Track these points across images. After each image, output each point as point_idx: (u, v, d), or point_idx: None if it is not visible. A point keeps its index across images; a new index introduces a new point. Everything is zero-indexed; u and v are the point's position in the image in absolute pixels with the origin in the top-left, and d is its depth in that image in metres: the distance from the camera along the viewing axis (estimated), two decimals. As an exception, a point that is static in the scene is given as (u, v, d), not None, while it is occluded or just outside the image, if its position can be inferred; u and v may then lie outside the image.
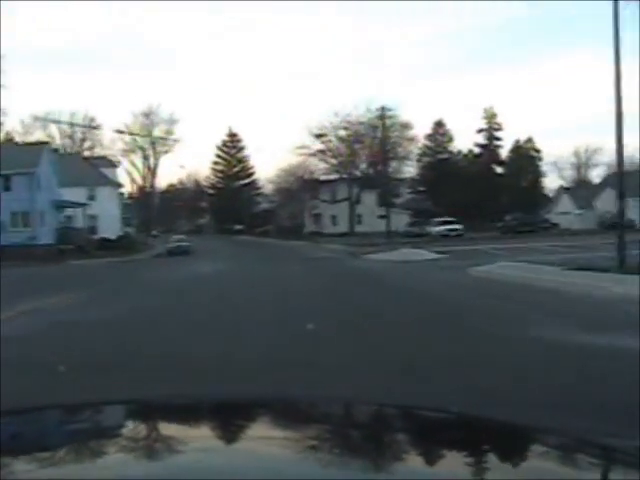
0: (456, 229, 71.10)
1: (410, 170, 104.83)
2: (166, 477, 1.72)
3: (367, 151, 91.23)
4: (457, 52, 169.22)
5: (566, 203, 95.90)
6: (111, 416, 2.54)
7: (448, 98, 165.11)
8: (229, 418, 2.46)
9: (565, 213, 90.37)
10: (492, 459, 1.94)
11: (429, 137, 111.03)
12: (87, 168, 73.62)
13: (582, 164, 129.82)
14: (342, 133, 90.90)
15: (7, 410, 2.46)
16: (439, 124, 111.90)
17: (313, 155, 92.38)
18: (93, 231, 69.54)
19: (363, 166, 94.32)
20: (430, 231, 73.85)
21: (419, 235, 76.92)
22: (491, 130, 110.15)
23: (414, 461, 1.89)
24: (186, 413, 2.56)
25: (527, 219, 75.96)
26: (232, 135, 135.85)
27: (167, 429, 2.28)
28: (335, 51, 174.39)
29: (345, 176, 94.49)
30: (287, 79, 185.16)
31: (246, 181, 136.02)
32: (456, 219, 75.47)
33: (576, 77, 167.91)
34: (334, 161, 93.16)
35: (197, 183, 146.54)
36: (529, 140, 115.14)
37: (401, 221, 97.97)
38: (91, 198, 72.73)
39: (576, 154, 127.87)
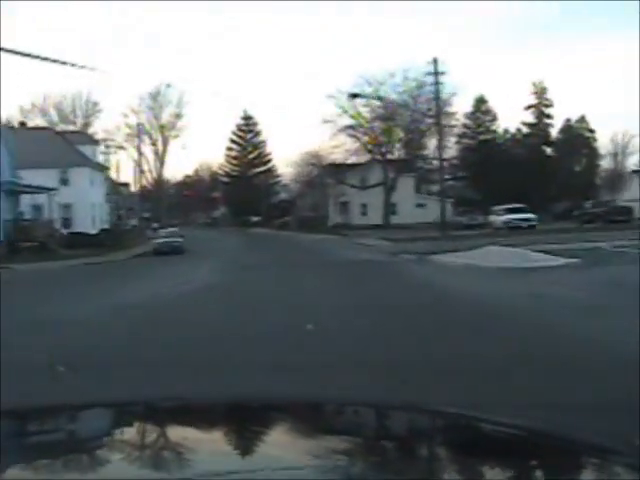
0: (529, 218, 54.79)
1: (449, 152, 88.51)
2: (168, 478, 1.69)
3: (404, 126, 74.67)
4: (504, 26, 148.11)
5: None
6: (112, 417, 2.43)
7: (490, 75, 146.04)
8: (233, 420, 2.39)
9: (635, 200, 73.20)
10: (490, 460, 1.85)
11: (470, 116, 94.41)
12: (60, 145, 56.91)
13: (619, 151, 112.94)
14: (376, 104, 74.26)
15: (7, 410, 2.32)
16: (481, 100, 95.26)
17: (341, 131, 75.61)
18: (67, 224, 53.70)
19: (398, 145, 77.73)
20: (492, 221, 57.48)
21: (471, 226, 60.66)
22: (541, 107, 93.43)
23: (415, 462, 1.88)
24: (187, 415, 2.45)
25: (612, 207, 59.14)
26: (247, 118, 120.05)
27: (168, 431, 2.19)
28: (360, 23, 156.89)
29: (378, 157, 77.90)
30: (310, 53, 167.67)
31: (263, 168, 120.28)
32: (525, 206, 59.26)
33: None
34: (366, 138, 76.45)
35: (210, 172, 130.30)
36: (582, 119, 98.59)
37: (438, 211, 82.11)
38: (64, 182, 56.62)
39: (612, 141, 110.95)
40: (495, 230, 54.82)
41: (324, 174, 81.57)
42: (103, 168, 67.98)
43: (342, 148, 77.88)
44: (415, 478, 1.70)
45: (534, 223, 54.19)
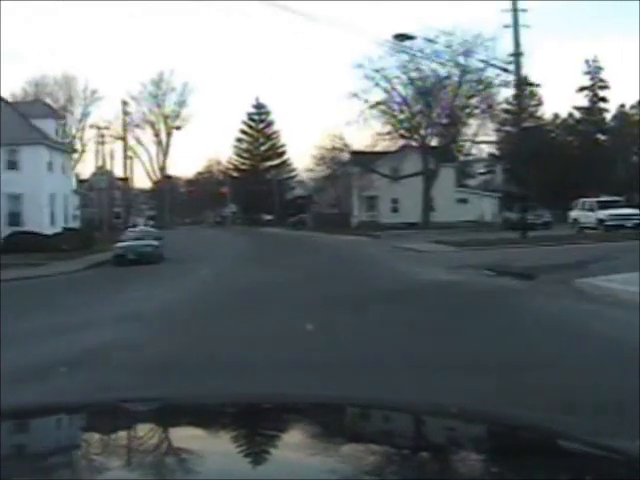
0: (634, 215, 40.10)
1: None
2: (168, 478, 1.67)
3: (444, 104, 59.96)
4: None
5: None
6: (113, 416, 2.37)
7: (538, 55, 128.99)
8: (234, 420, 2.33)
9: None
10: (491, 458, 1.85)
11: (512, 100, 79.62)
12: (6, 115, 41.92)
13: None
14: (413, 75, 59.37)
15: (7, 410, 2.27)
16: (524, 82, 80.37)
17: (372, 107, 60.55)
18: (14, 220, 39.56)
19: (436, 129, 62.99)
20: (577, 218, 42.78)
21: (535, 225, 45.97)
22: (596, 89, 78.70)
23: (416, 460, 1.86)
24: (188, 414, 2.38)
25: None
26: (259, 107, 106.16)
27: (169, 430, 2.15)
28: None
29: (413, 143, 63.15)
30: (327, 25, 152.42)
31: (276, 162, 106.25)
32: (621, 199, 44.71)
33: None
34: (401, 116, 61.67)
35: (219, 166, 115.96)
36: (639, 104, 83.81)
37: (486, 207, 67.88)
38: (10, 166, 42.16)
39: None
40: (582, 230, 40.52)
41: (348, 163, 66.88)
42: (69, 149, 53.19)
43: (370, 132, 63.29)
44: (413, 478, 1.68)
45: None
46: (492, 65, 32.96)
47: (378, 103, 60.40)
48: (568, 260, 21.75)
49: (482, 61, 50.23)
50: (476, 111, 61.07)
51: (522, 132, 76.62)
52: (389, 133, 62.51)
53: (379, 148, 64.01)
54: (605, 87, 78.96)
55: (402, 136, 63.24)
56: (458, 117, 60.45)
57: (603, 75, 78.85)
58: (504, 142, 79.64)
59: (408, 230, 53.83)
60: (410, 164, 62.51)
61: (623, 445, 1.93)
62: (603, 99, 79.41)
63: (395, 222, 61.58)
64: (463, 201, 68.97)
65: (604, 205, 40.73)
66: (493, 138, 75.17)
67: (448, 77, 58.68)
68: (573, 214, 43.76)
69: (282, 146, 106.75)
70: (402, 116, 61.99)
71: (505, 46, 62.40)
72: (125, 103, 76.22)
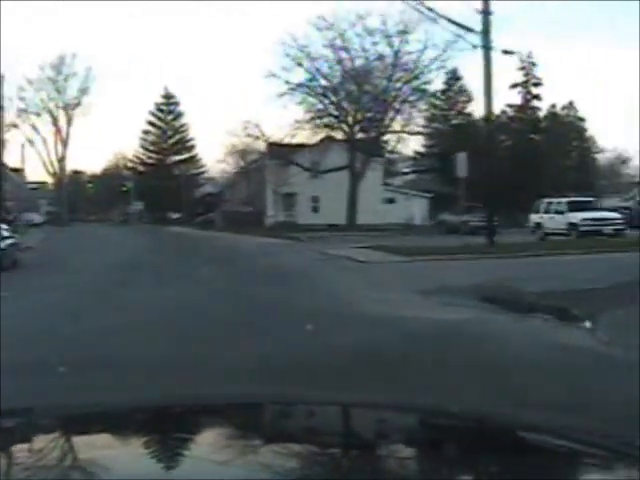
0: (613, 219, 32.78)
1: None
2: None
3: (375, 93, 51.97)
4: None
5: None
6: (108, 419, 2.23)
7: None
8: (144, 426, 2.18)
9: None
10: (491, 459, 1.79)
11: (441, 95, 72.78)
12: None
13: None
14: (342, 55, 51.21)
15: (7, 410, 2.24)
16: (454, 77, 73.63)
17: (292, 89, 51.97)
18: None
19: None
20: (541, 223, 35.16)
21: (474, 230, 38.39)
22: (529, 85, 72.17)
23: (415, 463, 1.82)
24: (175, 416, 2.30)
25: None
26: (168, 97, 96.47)
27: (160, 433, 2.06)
28: None
29: (339, 136, 55.01)
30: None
31: (185, 156, 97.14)
32: (595, 199, 37.57)
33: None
34: (326, 100, 53.27)
35: (125, 160, 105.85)
36: (570, 105, 78.05)
37: (415, 208, 60.66)
38: None
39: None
40: (547, 237, 33.14)
41: (264, 154, 58.40)
42: None
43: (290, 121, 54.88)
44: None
45: (622, 227, 32.35)
46: (454, 23, 25.19)
47: (300, 85, 52.04)
48: (593, 280, 14.29)
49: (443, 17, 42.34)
50: (412, 98, 53.23)
51: (452, 129, 70.38)
52: (312, 119, 54.01)
53: (299, 139, 55.66)
54: (539, 84, 72.50)
55: (326, 126, 54.91)
56: (390, 105, 52.50)
57: (537, 72, 72.51)
58: (434, 138, 72.96)
59: (330, 232, 45.95)
60: (334, 158, 54.43)
61: (623, 445, 1.84)
62: (537, 97, 72.97)
63: (315, 223, 53.64)
64: (390, 201, 61.45)
65: (576, 207, 33.29)
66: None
67: (381, 58, 50.69)
68: (535, 217, 36.16)
69: (191, 140, 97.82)
70: (327, 101, 53.58)
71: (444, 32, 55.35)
72: (22, 88, 66.54)
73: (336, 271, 20.40)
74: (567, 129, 76.26)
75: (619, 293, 13.47)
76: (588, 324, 10.27)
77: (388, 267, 21.43)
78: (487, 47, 25.83)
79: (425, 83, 52.64)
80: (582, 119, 78.33)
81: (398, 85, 52.07)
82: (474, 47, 26.13)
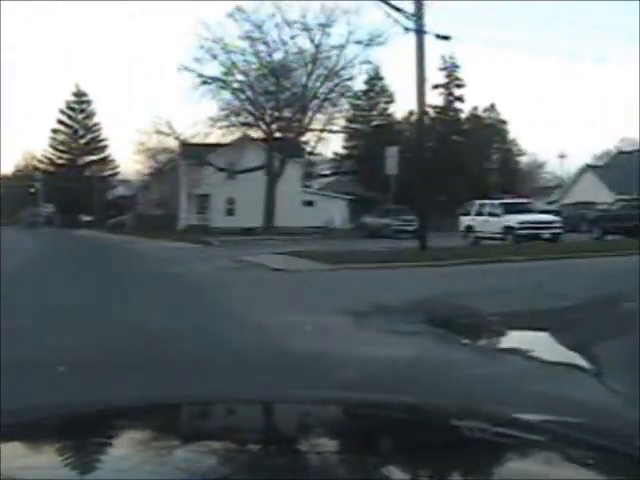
0: (552, 222, 30.31)
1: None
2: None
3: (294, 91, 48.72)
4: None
5: (593, 187, 56.83)
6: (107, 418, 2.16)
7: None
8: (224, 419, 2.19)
9: (587, 204, 49.58)
10: (490, 458, 1.73)
11: (362, 96, 70.13)
12: None
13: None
14: (260, 48, 47.64)
15: (7, 410, 2.14)
16: (376, 77, 71.11)
17: (206, 83, 48.11)
18: None
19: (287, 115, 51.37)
20: (472, 226, 32.46)
21: (403, 232, 35.71)
22: (451, 86, 70.15)
23: (413, 459, 1.70)
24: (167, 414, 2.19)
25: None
26: (79, 95, 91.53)
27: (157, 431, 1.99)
28: None
29: (256, 134, 51.47)
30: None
31: (97, 157, 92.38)
32: (530, 200, 35.19)
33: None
34: (242, 96, 49.57)
35: (34, 161, 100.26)
36: (491, 107, 76.34)
37: (335, 211, 57.89)
38: None
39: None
40: (479, 241, 30.55)
41: (176, 154, 54.49)
42: None
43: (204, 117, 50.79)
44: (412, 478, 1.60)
45: (560, 231, 29.76)
46: (387, 3, 22.10)
47: (214, 79, 48.26)
48: (560, 296, 11.53)
49: None
50: (333, 95, 50.07)
51: (372, 130, 67.82)
52: (227, 117, 50.19)
53: (214, 138, 51.83)
54: (461, 85, 70.49)
55: (242, 124, 51.25)
56: (310, 103, 49.21)
57: (459, 73, 70.44)
58: (355, 139, 70.40)
59: (247, 236, 42.64)
60: (251, 158, 50.95)
61: (623, 445, 1.80)
62: (459, 98, 70.94)
63: (230, 226, 50.11)
64: (309, 203, 58.37)
65: (512, 209, 30.55)
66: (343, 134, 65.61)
67: (300, 52, 47.37)
68: (466, 220, 33.34)
69: (104, 140, 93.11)
70: (243, 97, 49.85)
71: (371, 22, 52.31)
72: None
73: (247, 283, 17.01)
74: (489, 131, 74.42)
75: (602, 314, 10.63)
76: (591, 368, 7.20)
77: (310, 278, 18.19)
78: (420, 31, 22.91)
79: (347, 79, 49.53)
80: (504, 121, 76.68)
81: (318, 82, 48.79)
82: (406, 30, 23.16)
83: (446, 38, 24.06)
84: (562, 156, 74.18)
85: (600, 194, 53.60)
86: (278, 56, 47.79)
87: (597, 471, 1.68)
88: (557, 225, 29.90)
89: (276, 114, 49.98)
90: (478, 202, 33.35)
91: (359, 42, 45.39)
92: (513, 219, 29.46)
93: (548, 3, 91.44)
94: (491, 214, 31.18)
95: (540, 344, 8.86)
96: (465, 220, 33.53)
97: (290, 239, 38.66)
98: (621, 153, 71.63)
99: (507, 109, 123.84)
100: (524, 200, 34.39)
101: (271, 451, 1.77)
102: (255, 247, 31.22)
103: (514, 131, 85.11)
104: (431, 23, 24.26)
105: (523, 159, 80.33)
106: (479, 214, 32.18)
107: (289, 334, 9.39)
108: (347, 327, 10.05)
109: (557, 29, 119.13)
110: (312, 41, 46.61)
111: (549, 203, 57.36)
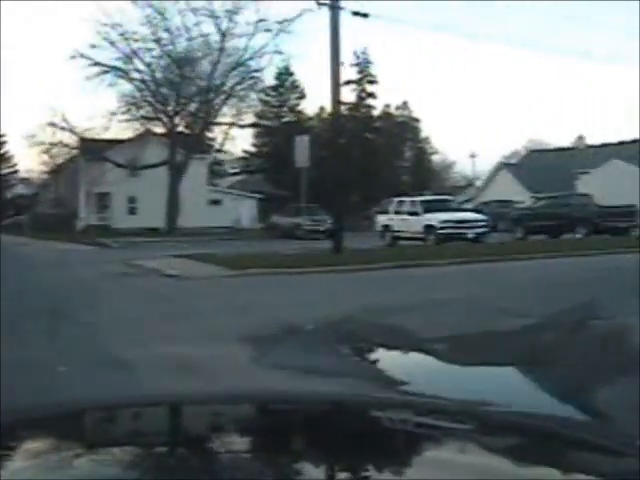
0: (478, 221, 28.01)
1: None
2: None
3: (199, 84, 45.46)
4: None
5: (507, 185, 55.43)
6: (108, 416, 2.12)
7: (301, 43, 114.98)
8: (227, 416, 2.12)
9: (505, 202, 47.91)
10: (490, 458, 1.70)
11: (272, 92, 67.36)
12: None
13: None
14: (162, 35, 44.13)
15: (7, 410, 2.10)
16: (286, 73, 68.48)
17: (103, 73, 44.38)
18: None
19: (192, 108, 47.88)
20: (391, 225, 29.91)
21: (316, 232, 33.22)
22: (364, 83, 67.97)
23: (413, 458, 1.71)
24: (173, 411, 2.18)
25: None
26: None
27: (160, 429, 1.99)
28: None
29: (158, 129, 47.96)
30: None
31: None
32: (452, 197, 32.75)
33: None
34: (143, 87, 45.93)
35: None
36: (404, 105, 74.56)
37: (243, 210, 55.08)
38: None
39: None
40: (396, 241, 28.19)
41: (74, 150, 50.47)
42: None
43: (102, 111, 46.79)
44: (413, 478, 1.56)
45: (485, 230, 27.48)
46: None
47: (111, 68, 44.48)
48: (513, 311, 9.04)
49: None
50: (239, 87, 46.91)
51: (284, 126, 65.10)
52: (128, 110, 46.42)
53: (114, 133, 47.97)
54: (374, 82, 68.34)
55: (144, 117, 47.51)
56: (215, 94, 45.91)
57: (372, 69, 68.32)
58: (264, 136, 67.66)
59: (149, 237, 39.42)
60: (153, 154, 47.42)
61: (623, 445, 1.79)
62: (371, 95, 68.78)
63: (132, 226, 46.58)
64: (216, 202, 55.24)
65: (433, 207, 28.10)
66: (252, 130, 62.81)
67: (206, 40, 44.02)
68: (383, 219, 30.75)
69: (2, 135, 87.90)
70: (144, 87, 46.05)
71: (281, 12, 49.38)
72: None
73: (132, 295, 13.99)
74: (401, 129, 72.64)
75: (577, 336, 8.17)
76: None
77: (208, 286, 15.32)
78: (335, 7, 20.27)
79: (256, 71, 46.51)
80: (416, 119, 75.02)
81: (225, 73, 45.46)
82: (320, 5, 20.46)
83: (365, 15, 21.53)
84: (473, 155, 72.84)
85: (515, 192, 52.24)
86: (182, 44, 44.34)
87: (597, 471, 1.62)
88: (482, 224, 27.60)
89: (179, 107, 46.46)
90: (396, 199, 30.86)
91: (268, 30, 42.50)
92: (434, 218, 27.04)
93: (459, 3, 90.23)
94: (410, 212, 28.70)
95: (513, 390, 6.19)
96: (382, 219, 30.92)
97: (195, 240, 35.93)
98: (533, 152, 70.86)
99: (419, 108, 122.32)
100: (445, 197, 32.08)
101: (178, 453, 1.71)
102: (155, 249, 28.26)
103: (427, 129, 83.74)
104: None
105: (434, 158, 78.95)
106: (397, 212, 29.65)
107: (142, 377, 6.53)
108: (236, 363, 7.21)
109: (471, 29, 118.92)
110: (218, 29, 43.42)
111: (463, 202, 55.67)
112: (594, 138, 73.81)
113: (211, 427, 2.01)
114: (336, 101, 21.84)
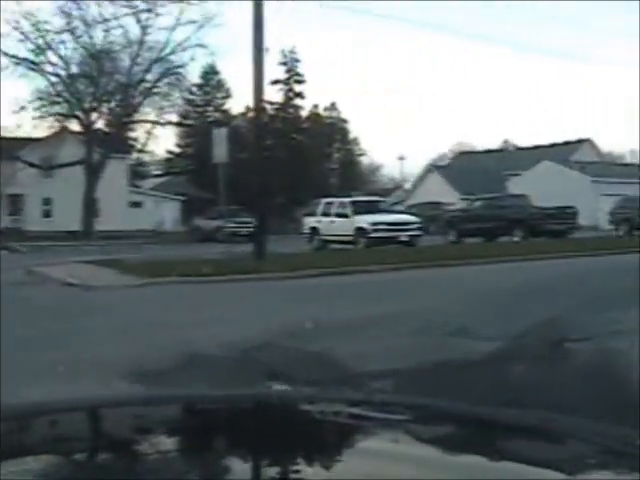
0: (410, 223, 26.16)
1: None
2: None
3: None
4: None
5: (438, 187, 54.32)
6: (113, 417, 2.08)
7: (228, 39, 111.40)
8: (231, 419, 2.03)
9: (436, 204, 46.56)
10: (489, 458, 1.66)
11: (197, 90, 65.07)
12: None
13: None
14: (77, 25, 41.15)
15: (7, 410, 2.04)
16: (211, 71, 66.30)
17: (18, 64, 41.19)
18: None
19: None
20: (319, 228, 27.85)
21: (240, 236, 30.99)
22: (291, 82, 66.09)
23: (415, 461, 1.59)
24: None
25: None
26: None
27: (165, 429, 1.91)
28: None
29: (75, 127, 44.92)
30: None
31: None
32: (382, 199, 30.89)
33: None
34: (57, 80, 42.92)
35: None
36: (332, 106, 72.87)
37: (166, 213, 52.83)
38: None
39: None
40: (326, 244, 26.32)
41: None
42: None
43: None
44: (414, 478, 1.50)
45: (419, 233, 25.66)
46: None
47: (22, 60, 41.35)
48: (477, 333, 7.27)
49: None
50: (162, 84, 44.34)
51: (209, 126, 62.69)
52: (42, 106, 43.23)
53: (28, 132, 44.75)
54: (301, 82, 66.43)
55: (59, 113, 44.40)
56: (135, 90, 43.21)
57: (299, 69, 66.41)
58: (189, 137, 65.30)
59: (63, 241, 36.82)
60: (69, 153, 44.49)
61: (623, 445, 1.74)
62: (299, 95, 66.87)
63: (48, 230, 43.72)
64: (137, 205, 52.66)
65: (363, 208, 26.16)
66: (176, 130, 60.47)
67: (124, 32, 41.32)
68: (310, 221, 28.65)
69: None
70: (58, 81, 42.95)
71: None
72: None
73: (11, 309, 11.71)
74: (330, 130, 70.89)
75: (552, 368, 6.34)
76: None
77: (108, 298, 13.09)
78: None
79: (179, 67, 43.98)
80: (345, 121, 73.37)
81: (148, 68, 42.78)
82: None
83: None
84: (401, 158, 71.87)
85: (445, 194, 51.14)
86: (99, 37, 41.51)
87: (597, 471, 1.63)
88: (416, 226, 25.80)
89: (97, 103, 43.63)
90: (325, 200, 28.84)
91: (192, 22, 40.15)
92: (365, 220, 25.10)
93: (393, 3, 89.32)
94: (340, 214, 26.69)
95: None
96: (309, 221, 28.81)
97: (112, 244, 33.65)
98: (463, 153, 70.06)
99: (348, 109, 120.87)
100: (377, 198, 30.21)
101: (97, 458, 1.66)
102: (67, 254, 25.92)
103: (355, 131, 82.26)
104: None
105: (362, 160, 77.44)
106: (326, 214, 27.62)
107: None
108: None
109: (399, 30, 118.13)
110: (138, 21, 40.83)
111: (393, 204, 54.20)
112: (521, 141, 73.46)
113: (134, 430, 1.92)
114: (259, 96, 19.75)
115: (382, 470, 1.46)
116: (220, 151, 19.81)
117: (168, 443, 1.74)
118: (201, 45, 42.57)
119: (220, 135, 20.54)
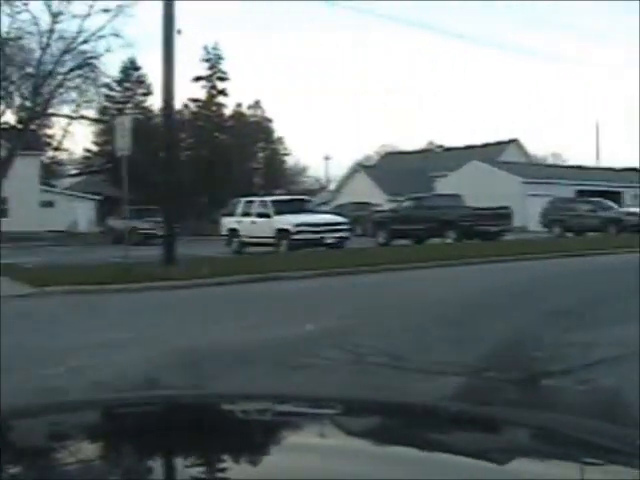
0: (339, 224, 24.33)
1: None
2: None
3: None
4: None
5: (365, 187, 52.99)
6: (114, 416, 2.07)
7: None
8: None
9: (362, 204, 45.01)
10: (489, 458, 1.66)
11: (117, 86, 62.40)
12: None
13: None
14: None
15: (7, 410, 2.04)
16: (132, 67, 63.61)
17: None
18: None
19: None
20: (238, 229, 25.82)
21: (154, 237, 28.87)
22: (214, 79, 63.88)
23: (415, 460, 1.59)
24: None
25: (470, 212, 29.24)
26: None
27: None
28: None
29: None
30: None
31: None
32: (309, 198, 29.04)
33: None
34: None
35: None
36: (256, 104, 70.85)
37: (80, 213, 50.26)
38: None
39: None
40: (244, 247, 24.40)
41: None
42: None
43: None
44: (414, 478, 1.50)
45: (346, 234, 23.82)
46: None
47: None
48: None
49: None
50: (75, 76, 41.56)
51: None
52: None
53: None
54: (225, 79, 64.18)
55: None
56: (46, 82, 40.34)
57: (223, 66, 64.16)
58: (106, 134, 62.49)
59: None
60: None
61: (623, 445, 1.75)
62: (223, 92, 64.62)
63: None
64: (49, 204, 49.87)
65: (286, 208, 24.19)
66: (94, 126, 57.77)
67: (34, 20, 38.33)
68: (229, 222, 26.52)
69: None
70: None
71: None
72: None
73: None
74: (254, 129, 68.83)
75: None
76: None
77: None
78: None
79: (93, 58, 41.30)
80: (269, 120, 71.33)
81: (59, 59, 39.97)
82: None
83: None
84: (327, 158, 70.35)
85: (372, 194, 49.73)
86: (4, 23, 38.58)
87: (597, 471, 1.63)
88: (343, 228, 23.98)
89: (4, 94, 40.69)
90: (245, 200, 26.78)
91: (106, 10, 37.55)
92: (288, 220, 23.19)
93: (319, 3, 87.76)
94: (260, 214, 24.68)
95: None
96: (228, 222, 26.70)
97: (18, 246, 31.23)
98: (389, 154, 68.91)
99: (272, 109, 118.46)
100: (301, 197, 28.30)
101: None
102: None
103: (280, 130, 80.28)
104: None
105: (288, 160, 75.57)
106: (246, 215, 25.55)
107: None
108: None
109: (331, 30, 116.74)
110: (48, 7, 38.04)
111: (319, 205, 52.62)
112: (446, 142, 72.56)
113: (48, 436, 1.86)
114: (168, 88, 17.59)
115: (309, 463, 1.43)
116: (123, 142, 17.63)
117: (87, 449, 1.66)
118: (116, 35, 39.93)
119: (123, 124, 18.36)
